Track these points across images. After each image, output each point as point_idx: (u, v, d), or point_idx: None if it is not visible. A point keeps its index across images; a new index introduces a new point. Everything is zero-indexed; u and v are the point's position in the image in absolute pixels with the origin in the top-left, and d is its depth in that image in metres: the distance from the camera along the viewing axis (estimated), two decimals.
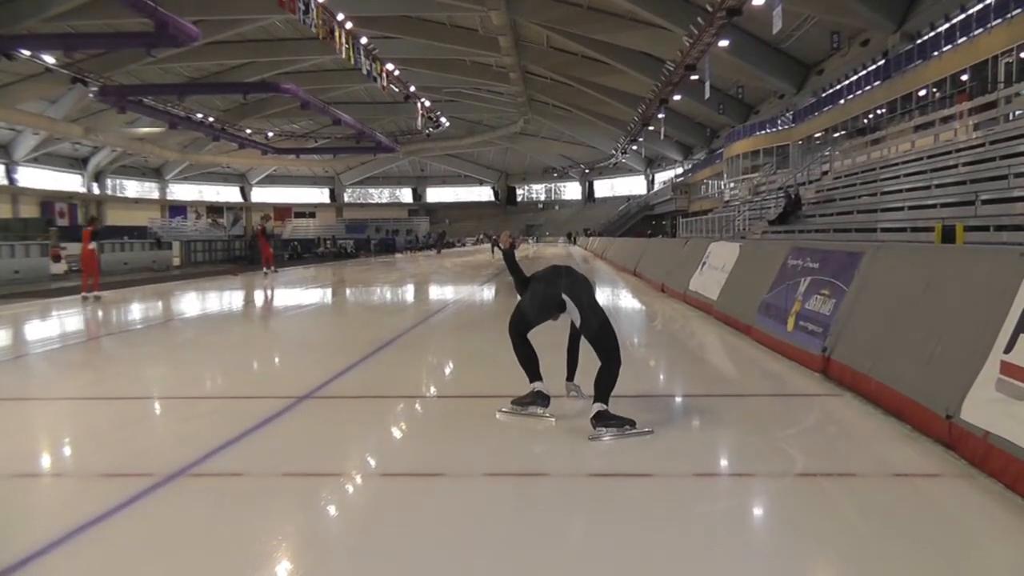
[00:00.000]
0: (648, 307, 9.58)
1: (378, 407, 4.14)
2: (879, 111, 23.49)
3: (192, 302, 11.52)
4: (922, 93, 20.86)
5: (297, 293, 13.45)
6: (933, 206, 13.16)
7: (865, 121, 24.31)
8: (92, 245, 11.26)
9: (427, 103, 43.38)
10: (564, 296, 3.35)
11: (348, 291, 14.35)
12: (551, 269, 3.54)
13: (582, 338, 3.47)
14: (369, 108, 53.91)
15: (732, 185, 35.97)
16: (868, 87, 24.53)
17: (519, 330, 3.50)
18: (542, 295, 3.42)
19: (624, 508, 2.54)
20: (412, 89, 39.25)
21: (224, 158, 60.06)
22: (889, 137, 19.98)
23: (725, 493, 2.77)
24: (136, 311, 10.34)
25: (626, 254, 18.42)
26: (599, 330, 3.31)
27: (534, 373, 3.51)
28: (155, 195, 64.47)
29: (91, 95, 33.07)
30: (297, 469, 2.98)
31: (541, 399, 3.47)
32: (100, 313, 9.59)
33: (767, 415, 3.86)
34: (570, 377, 3.83)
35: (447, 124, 50.06)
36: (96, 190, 54.80)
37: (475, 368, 5.36)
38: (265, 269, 17.15)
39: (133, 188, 62.65)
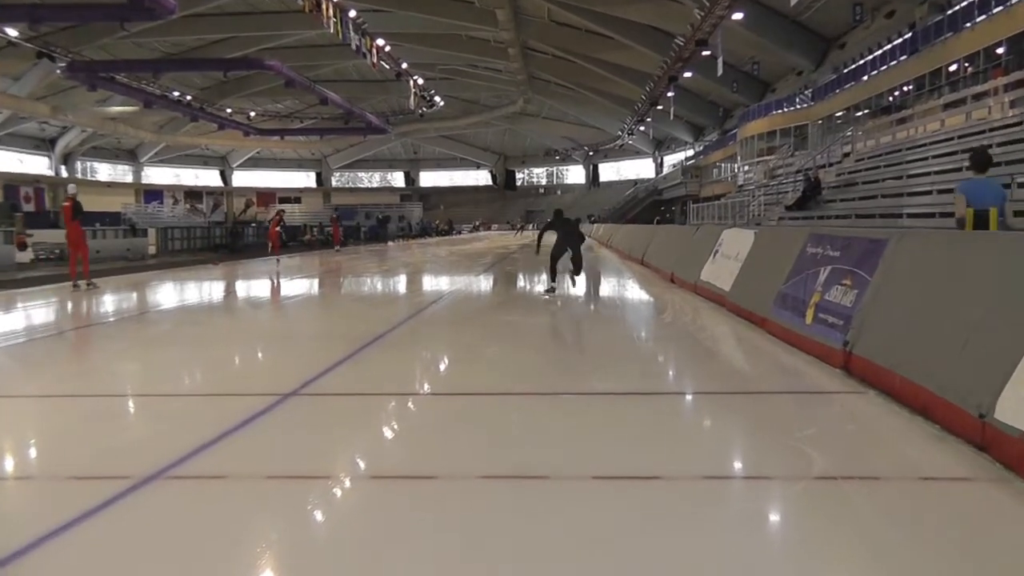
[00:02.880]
0: (657, 298, 9.60)
1: (369, 405, 4.15)
2: (905, 88, 23.36)
3: (170, 293, 11.52)
4: (953, 68, 20.71)
5: (283, 284, 13.43)
6: None
7: (890, 99, 24.21)
8: (83, 226, 10.98)
9: (420, 81, 43.23)
10: (568, 247, 8.72)
11: (336, 282, 14.40)
12: (562, 234, 8.97)
13: (559, 259, 8.89)
14: (358, 86, 53.73)
15: (746, 168, 35.89)
16: (893, 62, 24.37)
17: (553, 256, 8.88)
18: (560, 245, 8.82)
19: (630, 513, 2.54)
20: (404, 66, 39.05)
21: (203, 139, 59.84)
22: (916, 116, 19.90)
23: (738, 497, 2.77)
24: (110, 303, 10.33)
25: (633, 242, 18.42)
26: (576, 260, 8.79)
27: (552, 279, 8.78)
28: (129, 179, 64.29)
29: (59, 71, 32.86)
30: (283, 471, 2.98)
31: (552, 291, 8.87)
32: (70, 305, 9.57)
33: (784, 414, 3.85)
34: (552, 279, 8.94)
35: (442, 104, 49.87)
36: (65, 173, 54.59)
37: (471, 364, 5.37)
38: (336, 248, 22.70)
39: (105, 171, 62.45)
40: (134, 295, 11.40)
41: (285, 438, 3.44)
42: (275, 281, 13.97)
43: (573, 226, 9.26)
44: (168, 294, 11.42)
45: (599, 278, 13.84)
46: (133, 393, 4.63)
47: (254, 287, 13.17)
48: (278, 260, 19.42)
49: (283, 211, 25.35)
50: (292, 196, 72.74)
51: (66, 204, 11.33)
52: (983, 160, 6.47)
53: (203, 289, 12.34)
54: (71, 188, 11.91)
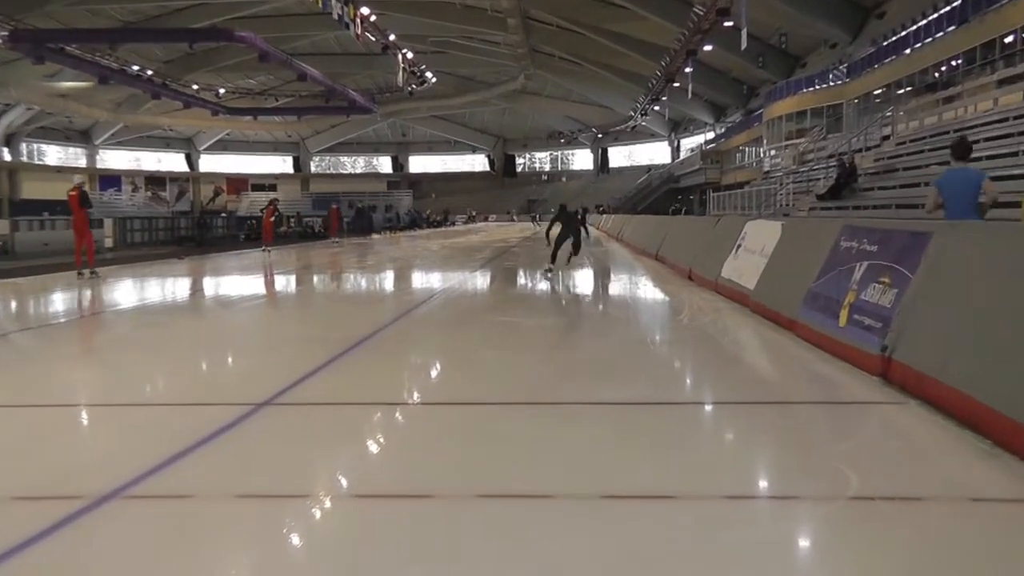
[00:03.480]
0: (672, 297, 9.65)
1: (353, 416, 4.15)
2: (953, 62, 23.34)
3: (128, 291, 11.53)
4: (1008, 40, 20.67)
5: (256, 281, 13.46)
6: (1021, 176, 13.11)
7: (936, 75, 24.21)
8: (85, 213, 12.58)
9: (409, 55, 43.19)
10: (569, 235, 11.49)
11: (316, 278, 14.46)
12: (565, 225, 11.74)
13: (561, 245, 11.64)
14: (341, 61, 53.81)
15: (773, 152, 35.98)
16: (940, 33, 24.36)
17: (557, 242, 11.56)
18: (564, 232, 11.57)
19: (643, 537, 2.54)
20: (392, 38, 39.03)
21: (166, 119, 59.85)
22: (966, 93, 19.92)
23: (763, 519, 2.77)
24: (59, 301, 10.33)
25: (646, 235, 18.49)
26: (575, 244, 11.57)
27: (553, 259, 11.54)
28: (82, 162, 64.33)
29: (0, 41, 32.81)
30: (255, 490, 2.98)
31: (550, 271, 11.72)
32: (14, 304, 9.56)
33: (814, 426, 3.86)
34: (552, 262, 11.53)
35: (433, 80, 49.77)
36: (7, 156, 54.55)
37: (467, 370, 5.39)
38: (334, 239, 26.20)
39: (54, 154, 62.54)
40: (88, 292, 11.40)
41: (258, 453, 3.44)
42: (248, 277, 14.00)
43: (572, 217, 12.44)
44: (128, 292, 11.42)
45: (608, 275, 13.90)
46: (85, 403, 4.62)
47: (224, 284, 13.18)
48: (269, 252, 20.98)
49: (277, 200, 26.87)
50: (266, 183, 72.82)
51: (72, 193, 12.83)
52: (963, 148, 7.12)
53: (166, 286, 12.37)
54: (77, 178, 13.85)
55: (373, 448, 3.71)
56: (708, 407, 4.41)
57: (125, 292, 11.42)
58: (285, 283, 13.49)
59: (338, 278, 14.32)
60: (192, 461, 3.26)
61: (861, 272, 5.09)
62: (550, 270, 11.95)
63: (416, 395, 4.81)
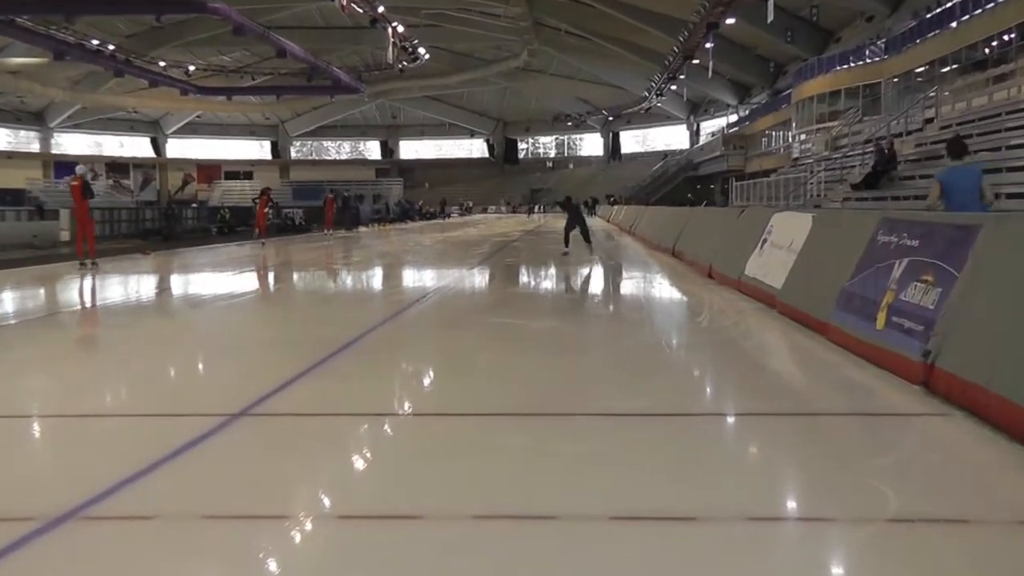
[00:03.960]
0: (691, 297, 9.70)
1: (336, 428, 4.16)
2: (1005, 37, 23.31)
3: (87, 290, 11.54)
4: None
5: (230, 278, 13.47)
6: None
7: (986, 51, 24.18)
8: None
9: (400, 28, 43.23)
10: (576, 225, 15.99)
11: (297, 276, 14.58)
12: (570, 217, 16.30)
13: (574, 230, 15.97)
14: (324, 35, 53.85)
15: (803, 137, 36.00)
16: (991, 4, 24.33)
17: (566, 230, 16.02)
18: (571, 223, 16.03)
19: (657, 563, 2.53)
20: (381, 10, 39.06)
21: (130, 100, 59.90)
22: (1019, 72, 19.89)
23: (791, 543, 2.76)
24: (9, 301, 10.33)
25: (662, 228, 18.57)
26: (583, 232, 15.90)
27: (565, 245, 15.83)
28: (35, 147, 64.44)
29: None
30: (227, 510, 2.98)
31: (566, 253, 15.57)
32: None
33: (849, 440, 3.87)
34: (566, 245, 15.81)
35: (427, 57, 49.92)
36: None
37: (461, 378, 5.39)
38: (327, 231, 28.47)
39: (3, 138, 62.63)
40: (42, 291, 11.41)
41: (230, 469, 3.44)
42: (221, 274, 14.03)
43: (572, 209, 16.39)
44: (90, 291, 11.44)
45: (619, 272, 13.97)
46: (40, 414, 4.62)
47: (194, 282, 13.18)
48: (263, 243, 22.39)
49: (270, 189, 27.86)
50: (241, 170, 72.85)
51: (75, 184, 14.24)
52: (958, 147, 8.18)
53: (130, 285, 12.40)
54: (80, 168, 15.05)
55: (358, 464, 3.70)
56: (730, 419, 4.41)
57: (85, 290, 11.43)
58: (268, 280, 13.55)
59: (327, 275, 14.40)
60: (157, 478, 3.25)
61: (901, 270, 5.09)
62: (566, 253, 15.70)
63: (406, 405, 4.82)
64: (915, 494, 3.08)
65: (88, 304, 10.23)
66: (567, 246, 15.82)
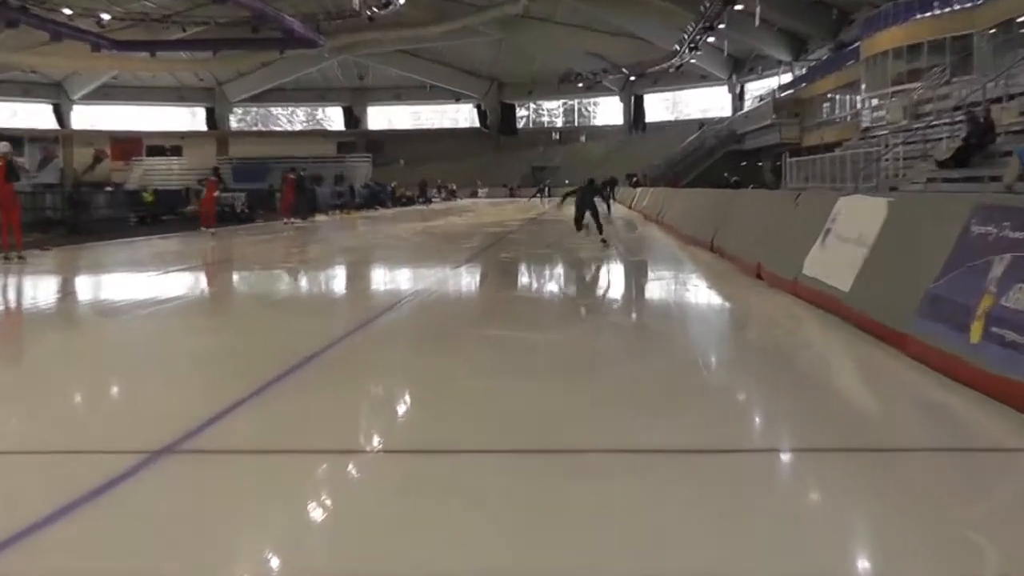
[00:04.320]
0: (734, 303, 9.78)
1: (287, 468, 4.08)
2: None
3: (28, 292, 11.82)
4: None
5: (152, 280, 13.45)
6: None
7: None
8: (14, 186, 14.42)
9: None
10: (586, 208, 17.68)
11: (239, 277, 14.74)
12: (579, 200, 17.87)
13: (586, 214, 17.74)
14: None
15: (875, 102, 35.91)
16: None
17: (578, 216, 17.76)
18: (579, 205, 17.79)
19: None
20: None
21: (25, 57, 58.62)
22: None
23: None
24: None
25: (697, 216, 18.62)
26: (595, 214, 17.59)
27: (578, 227, 17.73)
28: None
29: None
30: (141, 571, 2.91)
31: (577, 234, 18.00)
32: None
33: (935, 481, 3.82)
34: (578, 229, 17.69)
35: (402, 2, 49.18)
36: None
37: (449, 405, 5.30)
38: (286, 220, 28.57)
39: None
40: None
41: (149, 520, 3.35)
42: (149, 272, 14.17)
43: (582, 193, 17.96)
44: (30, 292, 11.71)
45: (644, 272, 14.10)
46: None
47: (114, 285, 13.28)
48: (213, 233, 23.47)
49: (218, 169, 28.56)
50: (168, 145, 72.28)
51: None
52: None
53: (25, 289, 12.34)
54: (3, 146, 14.95)
55: (314, 514, 3.60)
56: (785, 456, 4.33)
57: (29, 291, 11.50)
58: (193, 283, 13.71)
59: (267, 276, 14.46)
60: (56, 532, 3.18)
61: (1002, 268, 5.03)
62: (578, 229, 17.89)
63: (376, 439, 4.75)
64: (1022, 548, 3.00)
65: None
66: (578, 229, 17.77)
